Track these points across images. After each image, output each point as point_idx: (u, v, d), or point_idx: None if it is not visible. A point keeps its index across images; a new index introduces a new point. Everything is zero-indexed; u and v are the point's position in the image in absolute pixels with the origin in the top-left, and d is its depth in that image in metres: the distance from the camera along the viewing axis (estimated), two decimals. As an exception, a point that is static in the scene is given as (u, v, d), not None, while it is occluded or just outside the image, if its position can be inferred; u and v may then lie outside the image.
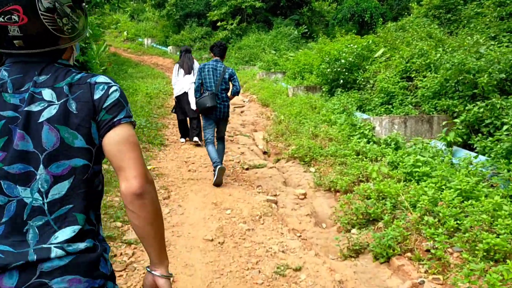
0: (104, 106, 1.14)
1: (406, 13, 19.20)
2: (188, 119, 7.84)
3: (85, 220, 1.13)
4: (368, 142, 6.45)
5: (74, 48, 1.30)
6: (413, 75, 8.16)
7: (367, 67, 10.33)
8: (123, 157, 1.12)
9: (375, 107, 8.46)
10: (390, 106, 8.00)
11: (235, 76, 5.43)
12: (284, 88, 12.39)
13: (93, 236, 1.16)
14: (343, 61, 10.20)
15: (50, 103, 1.09)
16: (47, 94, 1.10)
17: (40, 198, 1.08)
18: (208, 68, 5.28)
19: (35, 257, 1.05)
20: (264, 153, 7.94)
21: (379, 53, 11.44)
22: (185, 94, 7.82)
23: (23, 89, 1.11)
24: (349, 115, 8.16)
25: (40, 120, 1.08)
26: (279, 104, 10.61)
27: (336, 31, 18.06)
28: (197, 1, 24.60)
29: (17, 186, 1.07)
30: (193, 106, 7.34)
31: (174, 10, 24.33)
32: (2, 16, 1.06)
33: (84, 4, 1.23)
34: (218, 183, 5.22)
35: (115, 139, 1.13)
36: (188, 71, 7.80)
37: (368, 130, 6.66)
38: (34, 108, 1.09)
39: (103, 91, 1.15)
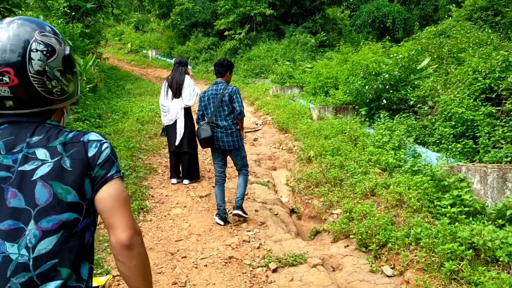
0: (98, 162, 1.16)
1: (436, 17, 16.49)
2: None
3: (69, 275, 1.10)
4: (471, 216, 3.76)
5: (65, 111, 1.30)
6: (505, 96, 5.47)
7: (416, 82, 7.63)
8: (113, 213, 1.13)
9: (442, 140, 5.76)
10: (470, 142, 5.29)
11: (234, 96, 4.27)
12: (304, 108, 9.71)
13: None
14: (386, 75, 7.50)
15: (44, 162, 1.10)
16: (41, 153, 1.11)
17: (27, 254, 1.05)
18: (207, 95, 4.36)
19: None
20: (292, 211, 5.26)
21: (424, 63, 8.75)
22: (175, 122, 5.46)
23: (15, 150, 1.11)
24: (413, 154, 5.47)
25: (33, 178, 1.08)
26: (302, 131, 7.93)
27: (360, 38, 15.42)
28: (203, 10, 22.05)
29: (5, 242, 1.05)
30: (178, 139, 5.46)
31: (179, 19, 21.79)
32: None
33: (75, 69, 1.25)
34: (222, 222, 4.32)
35: (107, 195, 1.14)
36: (177, 92, 5.49)
37: (465, 191, 3.96)
38: (28, 167, 1.09)
39: (96, 148, 1.17)
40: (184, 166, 5.63)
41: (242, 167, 4.43)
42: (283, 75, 13.90)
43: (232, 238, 3.96)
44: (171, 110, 5.49)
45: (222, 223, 4.30)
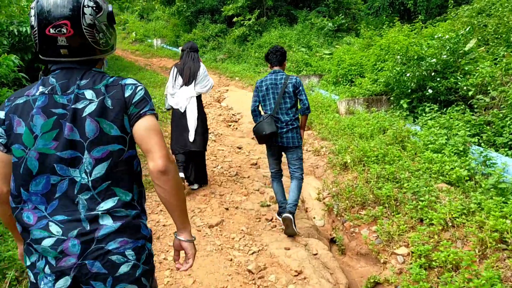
0: (133, 101, 1.31)
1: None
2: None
3: (123, 193, 1.28)
4: None
5: (104, 62, 1.47)
6: None
7: (466, 68, 6.17)
8: (149, 142, 1.28)
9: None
10: None
11: (301, 87, 3.77)
12: (328, 100, 8.29)
13: (134, 206, 1.31)
14: (433, 60, 6.04)
15: (91, 101, 1.26)
16: (89, 94, 1.27)
17: (86, 177, 1.24)
18: (266, 85, 3.82)
19: (88, 222, 1.23)
20: (332, 241, 3.93)
21: (469, 45, 7.25)
22: (183, 114, 4.51)
23: (69, 91, 1.28)
24: (484, 161, 4.07)
25: (83, 115, 1.25)
26: (329, 128, 6.54)
27: (378, 22, 13.89)
28: (210, -5, 20.51)
29: (69, 168, 1.23)
30: (192, 134, 4.46)
31: (184, 6, 20.24)
32: (54, 29, 1.24)
33: (115, 25, 1.41)
34: (290, 233, 3.62)
35: (142, 127, 1.29)
36: (189, 79, 4.53)
37: None
38: (79, 105, 1.25)
39: (131, 90, 1.32)
40: (194, 168, 4.54)
41: (298, 169, 3.86)
42: (298, 62, 12.43)
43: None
44: (179, 100, 4.49)
45: (290, 217, 3.64)
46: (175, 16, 21.75)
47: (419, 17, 15.89)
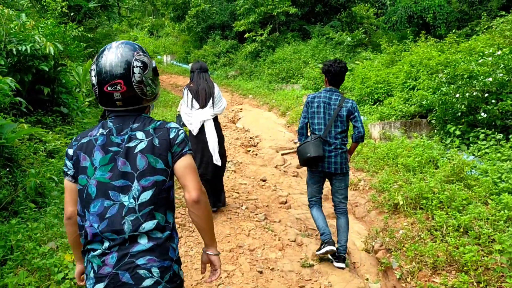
0: (176, 142, 1.53)
1: (488, 7, 14.01)
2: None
3: (161, 217, 1.48)
4: None
5: (150, 106, 1.69)
6: None
7: (523, 88, 5.28)
8: (187, 177, 1.51)
9: None
10: None
11: (356, 113, 3.38)
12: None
13: (168, 228, 1.50)
14: (489, 79, 5.17)
15: (141, 140, 1.50)
16: (139, 134, 1.51)
17: (134, 202, 1.45)
18: (318, 102, 3.42)
19: (129, 240, 1.43)
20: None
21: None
22: (195, 137, 4.26)
23: (123, 132, 1.52)
24: None
25: (135, 151, 1.48)
26: (365, 156, 5.67)
27: (393, 37, 13.10)
28: (221, 11, 19.93)
29: (120, 194, 1.45)
30: (217, 157, 4.21)
31: (195, 22, 19.67)
32: (110, 86, 1.48)
33: (158, 76, 1.63)
34: (341, 265, 3.38)
35: (182, 165, 1.51)
36: (206, 102, 4.25)
37: None
38: (131, 144, 1.49)
39: (175, 133, 1.54)
40: (213, 190, 4.33)
41: (345, 199, 3.52)
42: (316, 79, 11.62)
43: None
44: (193, 121, 4.21)
45: (343, 266, 3.38)
46: (185, 32, 21.21)
47: (438, 30, 15.10)
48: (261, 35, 16.52)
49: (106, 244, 1.42)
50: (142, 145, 1.47)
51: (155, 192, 1.45)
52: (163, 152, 1.48)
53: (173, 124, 1.56)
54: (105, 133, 1.51)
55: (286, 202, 4.77)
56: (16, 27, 5.97)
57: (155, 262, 1.41)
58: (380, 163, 5.28)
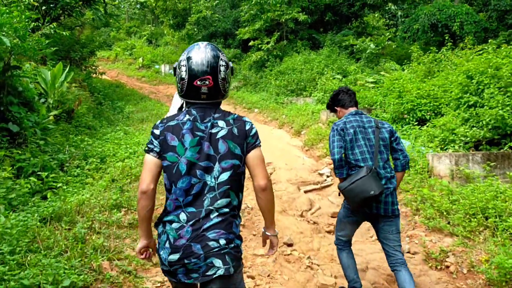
0: (251, 134, 1.70)
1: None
2: None
3: (233, 196, 1.65)
4: None
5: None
6: None
7: None
8: (257, 167, 1.68)
9: None
10: None
11: (397, 135, 2.83)
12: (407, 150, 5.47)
13: (235, 208, 1.67)
14: None
15: (222, 128, 1.66)
16: (221, 123, 1.67)
17: (214, 181, 1.62)
18: (353, 127, 2.74)
19: (204, 215, 1.59)
20: None
21: None
22: None
23: (205, 120, 1.67)
24: None
25: (217, 137, 1.64)
26: (440, 208, 3.69)
27: (414, 47, 11.24)
28: (223, 18, 18.13)
29: (204, 174, 1.61)
30: None
31: (195, 29, 17.87)
32: (200, 81, 1.64)
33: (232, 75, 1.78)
34: None
35: (255, 156, 1.68)
36: None
37: None
38: (214, 130, 1.65)
39: (249, 126, 1.72)
40: None
41: (399, 248, 2.69)
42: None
43: None
44: None
45: None
46: (185, 40, 19.40)
47: (466, 40, 13.19)
48: (268, 43, 14.68)
49: (183, 217, 1.59)
50: (223, 132, 1.65)
51: (232, 174, 1.63)
52: (241, 141, 1.66)
53: (247, 119, 1.75)
54: (191, 119, 1.67)
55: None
56: None
57: (223, 234, 1.58)
58: (474, 222, 3.29)
